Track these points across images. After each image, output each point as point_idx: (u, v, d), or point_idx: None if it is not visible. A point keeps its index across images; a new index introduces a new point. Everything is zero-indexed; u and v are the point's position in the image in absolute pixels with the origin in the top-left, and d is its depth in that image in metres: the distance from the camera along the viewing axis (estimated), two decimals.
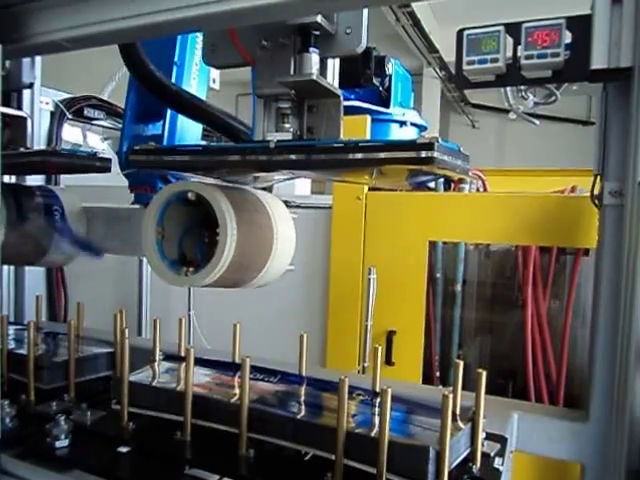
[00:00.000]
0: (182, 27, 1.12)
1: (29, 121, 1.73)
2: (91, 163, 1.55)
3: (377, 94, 2.70)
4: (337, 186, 2.45)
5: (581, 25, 1.15)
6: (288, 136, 1.19)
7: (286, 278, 2.54)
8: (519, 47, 1.21)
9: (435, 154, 0.94)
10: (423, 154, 0.95)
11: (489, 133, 10.86)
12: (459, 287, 2.44)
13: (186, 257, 1.30)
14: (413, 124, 2.85)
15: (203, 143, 1.22)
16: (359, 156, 1.00)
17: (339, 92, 1.16)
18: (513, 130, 10.23)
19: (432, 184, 2.63)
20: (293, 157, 1.08)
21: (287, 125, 1.20)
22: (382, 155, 0.99)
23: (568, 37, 1.18)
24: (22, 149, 1.62)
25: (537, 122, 2.16)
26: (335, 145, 1.05)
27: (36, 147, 1.94)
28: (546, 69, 1.21)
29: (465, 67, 1.25)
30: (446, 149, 0.99)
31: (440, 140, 0.97)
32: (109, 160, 1.59)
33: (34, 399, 1.39)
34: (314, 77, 1.08)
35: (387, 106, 2.70)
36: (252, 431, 1.13)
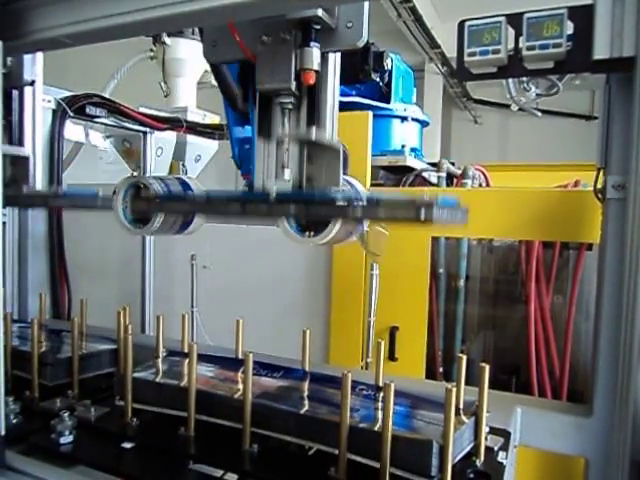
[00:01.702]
0: (183, 22, 1.13)
1: (31, 159, 1.74)
2: (93, 203, 1.60)
3: (378, 90, 2.70)
4: None
5: (583, 15, 1.14)
6: (288, 186, 1.21)
7: (289, 275, 2.55)
8: (521, 38, 1.20)
9: (434, 215, 0.96)
10: (422, 215, 0.96)
11: (491, 128, 10.82)
12: (462, 283, 2.44)
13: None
14: (414, 119, 2.85)
15: (204, 191, 1.27)
16: (359, 212, 1.02)
17: (339, 146, 1.16)
18: (516, 125, 10.20)
19: (435, 180, 2.63)
20: (292, 209, 1.11)
21: (287, 171, 1.21)
22: (381, 213, 1.01)
23: (570, 27, 1.17)
24: (25, 188, 1.64)
25: (539, 114, 2.16)
26: (336, 200, 1.07)
27: (37, 146, 1.93)
28: (548, 60, 1.20)
29: (466, 59, 1.24)
30: (445, 206, 1.00)
31: (439, 199, 0.98)
32: (110, 199, 1.63)
33: (38, 396, 1.40)
34: (313, 138, 1.11)
35: (388, 102, 2.69)
36: (255, 426, 1.13)
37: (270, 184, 1.21)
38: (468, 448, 1.09)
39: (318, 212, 1.10)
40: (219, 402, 1.20)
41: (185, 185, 1.34)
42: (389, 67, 2.46)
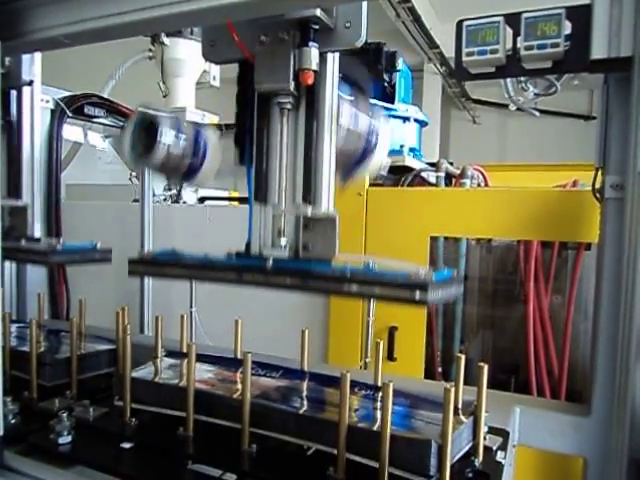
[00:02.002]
0: (181, 21, 1.12)
1: (29, 210, 1.75)
2: (91, 256, 1.61)
3: (382, 90, 2.70)
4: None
5: (581, 15, 1.14)
6: (284, 253, 1.22)
7: None
8: (519, 38, 1.20)
9: (428, 297, 0.98)
10: (417, 296, 0.99)
11: (490, 128, 10.83)
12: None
13: None
14: (415, 120, 2.85)
15: (201, 255, 1.27)
16: (354, 288, 1.04)
17: (334, 216, 1.18)
18: (514, 125, 10.22)
19: (433, 179, 2.63)
20: (288, 281, 1.14)
21: (283, 240, 1.23)
22: (376, 291, 1.03)
23: (568, 27, 1.17)
24: (24, 241, 1.64)
25: (537, 114, 2.16)
26: (332, 274, 1.10)
27: (37, 149, 1.92)
28: (546, 60, 1.20)
29: (465, 58, 1.24)
30: (440, 281, 1.02)
31: (434, 276, 1.00)
32: (109, 251, 1.64)
33: (37, 396, 1.39)
34: (308, 214, 1.13)
35: (392, 102, 2.70)
36: (254, 426, 1.13)
37: (267, 251, 1.24)
38: (467, 448, 1.09)
39: (314, 286, 1.12)
40: (218, 402, 1.20)
41: (198, 134, 1.32)
42: (400, 67, 2.46)
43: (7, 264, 2.12)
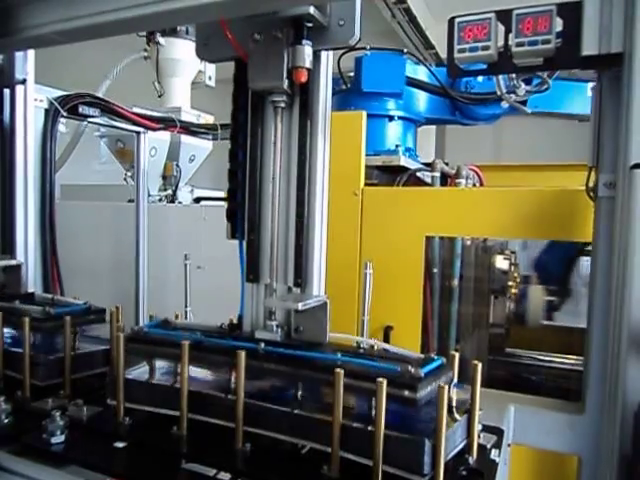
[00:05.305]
0: (175, 19, 1.12)
1: (23, 267, 1.75)
2: (85, 318, 1.61)
3: None
4: (333, 181, 2.44)
5: (572, 11, 1.14)
6: (275, 336, 1.26)
7: None
8: (510, 35, 1.20)
9: (417, 395, 1.01)
10: (406, 393, 1.02)
11: (485, 129, 10.81)
12: (456, 282, 2.44)
13: None
14: (408, 119, 2.86)
15: (194, 335, 1.31)
16: (345, 381, 1.04)
17: (325, 301, 1.22)
18: (510, 126, 10.21)
19: (429, 179, 2.63)
20: (280, 368, 1.17)
21: (274, 322, 1.26)
22: (367, 385, 1.04)
23: (559, 24, 1.17)
24: (18, 302, 1.63)
25: (528, 110, 2.16)
26: (322, 364, 1.13)
27: (29, 146, 1.92)
28: (537, 56, 1.20)
29: (456, 55, 1.24)
30: (430, 375, 1.05)
31: (423, 372, 1.03)
32: (103, 311, 1.65)
33: (30, 396, 1.38)
34: (299, 308, 1.15)
35: None
36: (248, 425, 1.13)
37: (259, 333, 1.27)
38: (461, 446, 1.09)
39: (305, 375, 1.15)
40: (212, 401, 1.20)
41: None
42: None
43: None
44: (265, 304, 1.26)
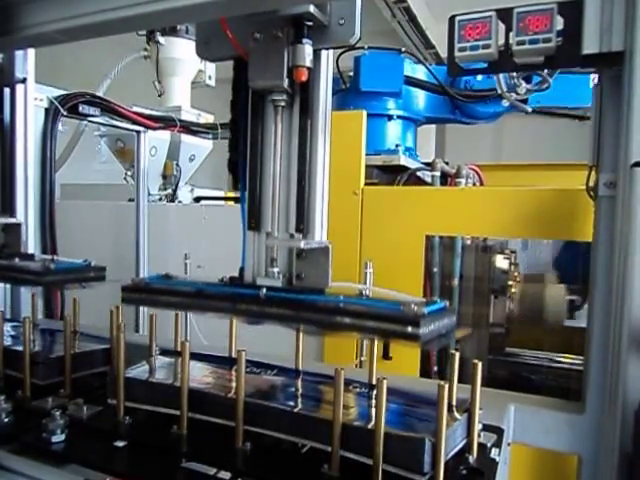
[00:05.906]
0: (175, 17, 1.12)
1: (23, 227, 1.73)
2: (86, 275, 1.59)
3: None
4: (333, 180, 2.44)
5: (573, 10, 1.14)
6: (277, 282, 1.23)
7: None
8: (511, 33, 1.20)
9: (420, 331, 0.98)
10: (409, 330, 0.99)
11: (486, 128, 10.81)
12: (456, 281, 2.45)
13: None
14: (408, 118, 2.86)
15: (195, 282, 1.28)
16: (347, 321, 1.04)
17: (327, 245, 1.20)
18: (510, 125, 10.21)
19: (429, 179, 2.63)
20: (282, 312, 1.14)
21: (276, 269, 1.24)
22: (370, 324, 1.03)
23: (560, 23, 1.16)
24: (17, 260, 1.61)
25: (529, 109, 2.16)
26: (325, 306, 1.10)
27: (29, 145, 1.91)
28: (538, 55, 1.20)
29: (457, 54, 1.24)
30: (432, 315, 1.03)
31: (426, 310, 1.01)
32: (103, 269, 1.63)
33: (30, 395, 1.39)
34: (302, 246, 1.14)
35: None
36: (248, 424, 1.13)
37: (260, 280, 1.25)
38: (461, 445, 1.09)
39: (307, 318, 1.13)
40: (212, 400, 1.20)
41: None
42: None
43: None
44: (267, 243, 1.23)
